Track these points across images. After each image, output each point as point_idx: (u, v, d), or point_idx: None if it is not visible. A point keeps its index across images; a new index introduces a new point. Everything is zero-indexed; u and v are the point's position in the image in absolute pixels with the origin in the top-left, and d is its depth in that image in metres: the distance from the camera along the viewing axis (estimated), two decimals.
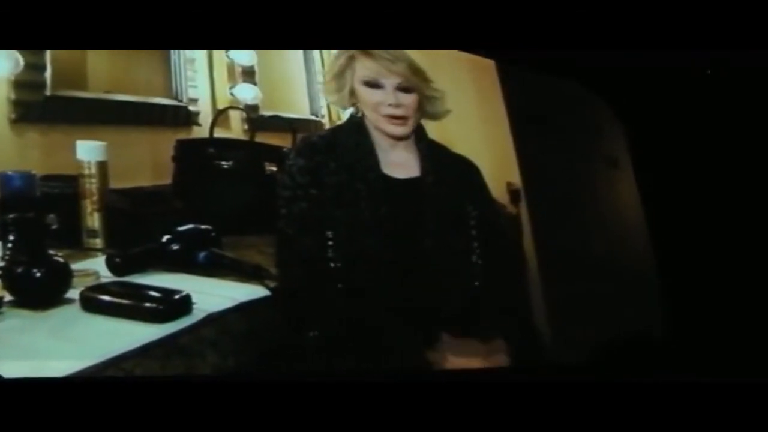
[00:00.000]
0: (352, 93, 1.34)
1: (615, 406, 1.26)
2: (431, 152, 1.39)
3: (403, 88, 1.31)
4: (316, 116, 2.71)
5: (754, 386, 1.26)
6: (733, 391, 1.26)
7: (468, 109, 1.93)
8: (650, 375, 1.35)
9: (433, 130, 1.44)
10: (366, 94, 1.32)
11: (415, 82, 1.31)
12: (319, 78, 2.73)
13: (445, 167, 1.38)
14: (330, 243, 1.28)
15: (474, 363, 1.28)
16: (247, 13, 1.38)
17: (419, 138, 1.38)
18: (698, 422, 1.24)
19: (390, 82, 1.31)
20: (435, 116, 1.38)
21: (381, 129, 1.34)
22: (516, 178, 2.06)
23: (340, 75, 1.34)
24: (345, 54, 1.33)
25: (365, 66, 1.31)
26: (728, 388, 1.27)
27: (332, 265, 1.28)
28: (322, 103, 2.73)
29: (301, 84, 2.67)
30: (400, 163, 1.36)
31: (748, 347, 1.46)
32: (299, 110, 2.62)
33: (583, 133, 2.12)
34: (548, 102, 1.99)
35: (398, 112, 1.32)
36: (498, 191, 1.76)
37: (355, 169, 1.32)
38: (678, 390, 1.28)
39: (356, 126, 1.36)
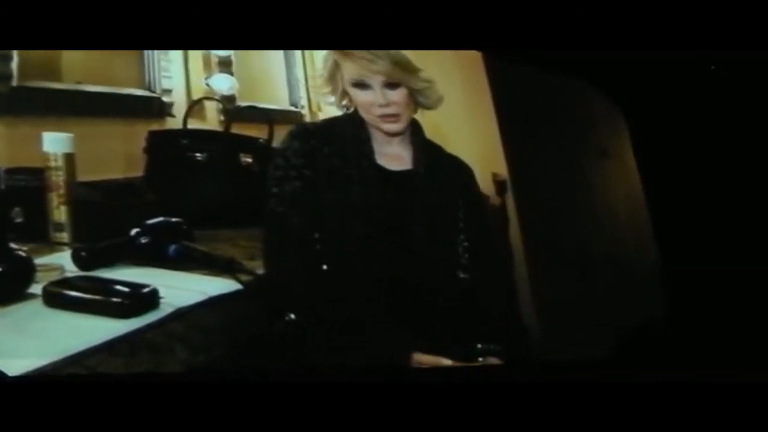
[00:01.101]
0: (345, 94, 1.34)
1: (609, 406, 1.24)
2: (426, 149, 1.38)
3: (390, 84, 1.29)
4: (296, 107, 2.68)
5: (755, 386, 1.24)
6: (734, 392, 1.24)
7: (454, 100, 1.90)
8: (648, 372, 1.32)
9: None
10: (356, 95, 1.31)
11: (401, 76, 1.29)
12: (300, 69, 2.70)
13: (438, 164, 1.38)
14: (318, 225, 1.27)
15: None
16: (226, 12, 1.35)
17: (415, 133, 1.38)
18: (695, 422, 1.22)
19: (375, 80, 1.29)
20: (429, 106, 1.36)
21: (376, 127, 1.33)
22: (502, 170, 2.05)
23: (331, 78, 1.34)
24: (331, 58, 1.32)
25: (348, 69, 1.30)
26: (729, 388, 1.25)
27: (318, 246, 1.27)
28: (302, 93, 2.71)
29: (280, 74, 2.64)
30: (394, 155, 1.36)
31: (751, 343, 1.44)
32: (278, 101, 2.59)
33: (572, 124, 2.11)
34: (536, 93, 1.98)
35: (389, 110, 1.30)
36: (484, 183, 1.75)
37: (349, 155, 1.31)
38: (676, 390, 1.26)
39: (353, 118, 1.35)
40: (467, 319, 1.31)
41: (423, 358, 1.24)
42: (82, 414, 1.10)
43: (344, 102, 1.36)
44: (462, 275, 1.33)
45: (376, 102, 1.29)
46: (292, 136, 1.34)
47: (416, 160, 1.36)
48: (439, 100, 1.36)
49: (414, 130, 1.38)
